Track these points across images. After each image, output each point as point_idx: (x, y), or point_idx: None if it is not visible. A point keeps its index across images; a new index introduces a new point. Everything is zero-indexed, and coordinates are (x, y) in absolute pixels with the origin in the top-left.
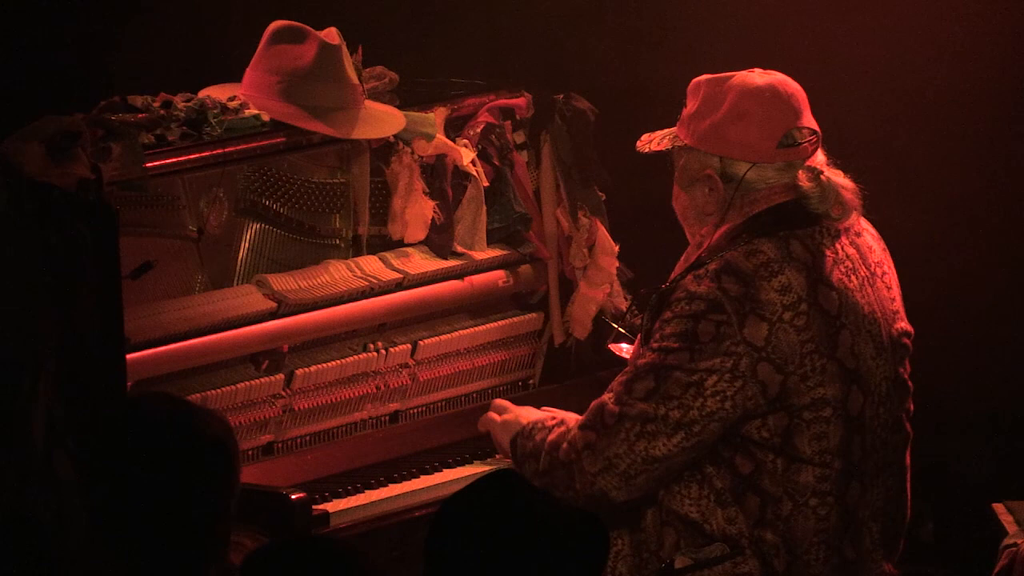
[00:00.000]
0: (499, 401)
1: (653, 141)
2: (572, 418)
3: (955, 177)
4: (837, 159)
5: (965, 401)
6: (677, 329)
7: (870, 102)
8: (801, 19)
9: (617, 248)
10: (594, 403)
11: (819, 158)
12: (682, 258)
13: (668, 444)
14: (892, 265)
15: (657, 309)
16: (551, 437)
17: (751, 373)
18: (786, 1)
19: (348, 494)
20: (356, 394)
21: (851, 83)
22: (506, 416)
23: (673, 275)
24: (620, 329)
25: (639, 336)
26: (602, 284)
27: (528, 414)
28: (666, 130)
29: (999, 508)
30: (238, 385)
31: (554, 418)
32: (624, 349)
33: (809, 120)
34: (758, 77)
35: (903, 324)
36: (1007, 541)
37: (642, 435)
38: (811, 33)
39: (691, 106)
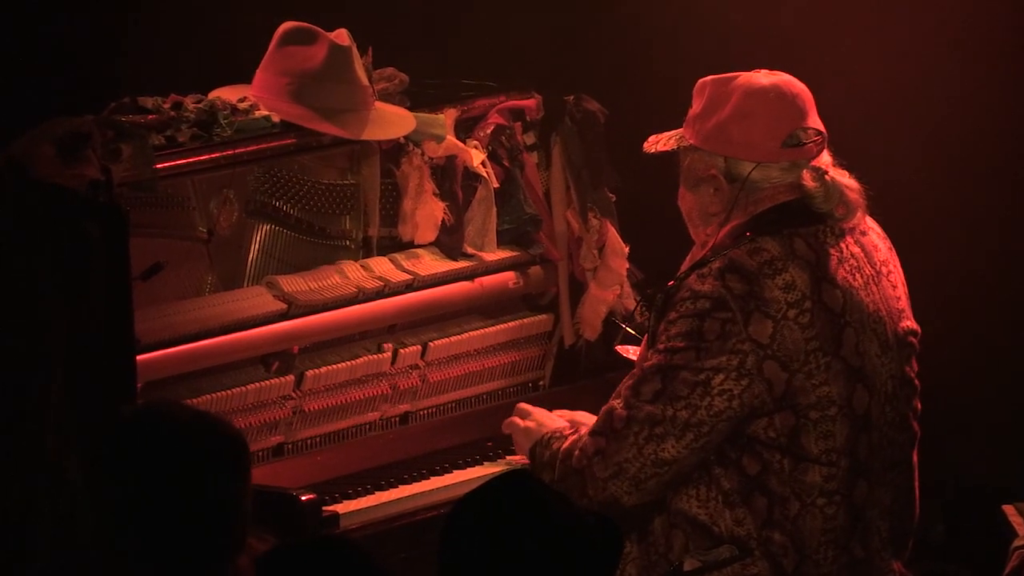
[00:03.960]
0: (522, 405)
1: (660, 142)
2: (589, 425)
3: (964, 177)
4: (842, 159)
5: (976, 403)
6: (683, 329)
7: (876, 102)
8: (808, 20)
9: (627, 249)
10: (604, 408)
11: (825, 158)
12: (688, 257)
13: (677, 446)
14: (898, 264)
15: (662, 309)
16: (565, 445)
17: (757, 371)
18: (794, 3)
19: (358, 495)
20: (366, 395)
21: (857, 84)
22: (528, 423)
23: (678, 274)
24: (629, 330)
25: (646, 337)
26: (612, 285)
27: (551, 422)
28: (672, 131)
29: (1009, 510)
30: (248, 386)
31: (575, 428)
32: (631, 351)
33: (815, 120)
34: (763, 77)
35: (909, 323)
36: (1017, 543)
37: (651, 438)
38: (817, 34)
39: (696, 106)
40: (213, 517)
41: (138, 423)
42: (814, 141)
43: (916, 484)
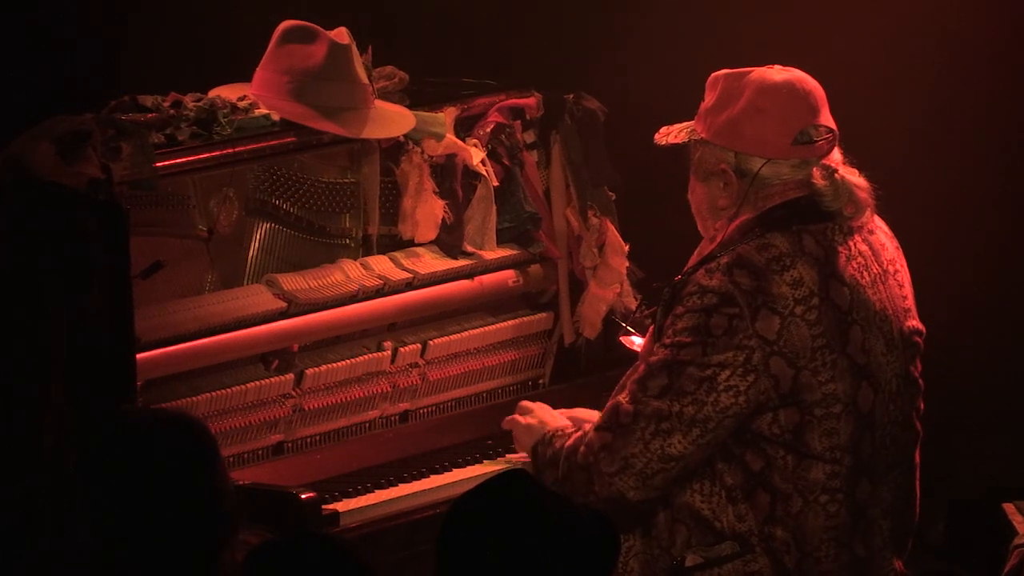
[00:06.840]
0: (524, 402)
1: (671, 134)
2: (591, 422)
3: (968, 178)
4: (853, 157)
5: (976, 401)
6: (689, 323)
7: (885, 101)
8: (813, 18)
9: (627, 248)
10: (610, 403)
11: (835, 156)
12: (695, 252)
13: (684, 441)
14: (905, 264)
15: (669, 303)
16: (569, 443)
17: (764, 367)
18: (797, 1)
19: (358, 493)
20: (366, 394)
21: (867, 81)
22: (529, 419)
23: (686, 269)
24: (630, 329)
25: (650, 330)
26: (612, 284)
27: (553, 420)
28: (684, 123)
29: (1009, 508)
30: (248, 385)
31: (578, 425)
32: (636, 343)
33: (826, 118)
34: (776, 74)
35: (914, 322)
36: (1017, 541)
37: (657, 433)
38: (824, 32)
39: (709, 100)
40: (181, 512)
41: (104, 432)
42: (825, 139)
43: (917, 484)
